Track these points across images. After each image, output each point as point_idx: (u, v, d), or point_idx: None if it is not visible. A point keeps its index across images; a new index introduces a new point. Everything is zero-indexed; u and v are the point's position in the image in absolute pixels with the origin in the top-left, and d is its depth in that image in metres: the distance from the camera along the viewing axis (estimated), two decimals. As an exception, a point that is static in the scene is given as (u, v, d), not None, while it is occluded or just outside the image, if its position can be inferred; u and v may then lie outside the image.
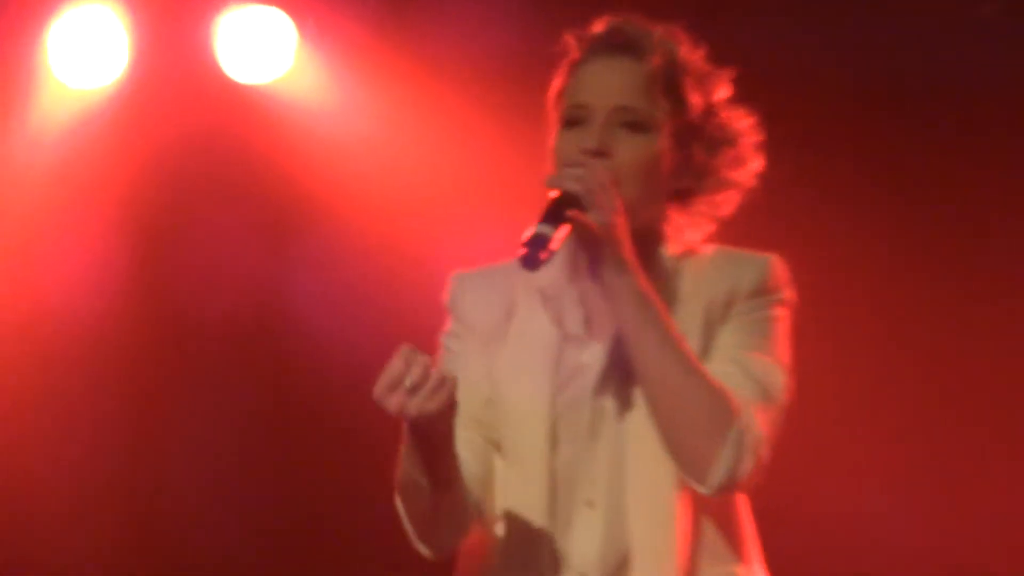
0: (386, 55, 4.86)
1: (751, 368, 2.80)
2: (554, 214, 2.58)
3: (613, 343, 2.76)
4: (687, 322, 2.80)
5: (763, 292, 2.85)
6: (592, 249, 2.68)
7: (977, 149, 4.73)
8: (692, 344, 2.71)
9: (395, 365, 2.52)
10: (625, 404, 2.77)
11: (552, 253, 2.58)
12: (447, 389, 2.53)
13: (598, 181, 2.65)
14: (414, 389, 2.49)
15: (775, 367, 2.81)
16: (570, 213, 2.58)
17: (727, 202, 2.90)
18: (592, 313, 2.80)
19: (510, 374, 2.81)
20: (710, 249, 2.91)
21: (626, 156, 2.75)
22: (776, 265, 2.86)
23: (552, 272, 2.77)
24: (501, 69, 4.57)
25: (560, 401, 2.77)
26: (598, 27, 2.85)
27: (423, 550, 2.73)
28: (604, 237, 2.65)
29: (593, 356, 2.80)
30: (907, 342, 4.74)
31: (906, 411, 4.74)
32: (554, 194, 2.62)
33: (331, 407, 4.77)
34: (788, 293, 2.84)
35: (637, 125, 2.78)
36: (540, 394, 2.79)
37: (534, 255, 2.56)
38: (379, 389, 2.51)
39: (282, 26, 4.79)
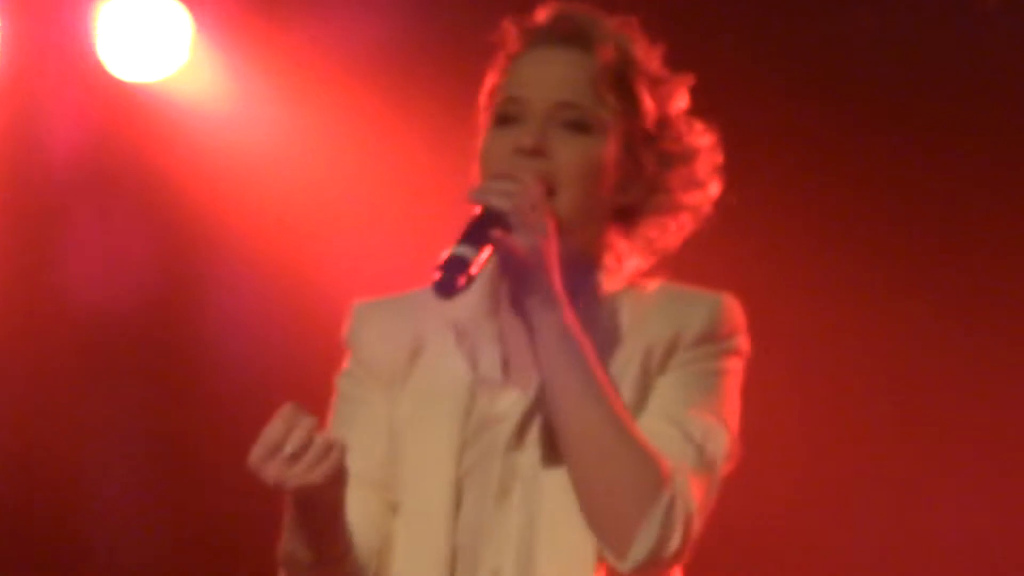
0: (292, 48, 4.74)
1: (690, 428, 2.65)
2: (476, 234, 2.43)
3: (536, 390, 2.62)
4: (621, 370, 2.67)
5: (711, 339, 2.69)
6: (516, 277, 2.54)
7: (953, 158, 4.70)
8: (625, 395, 2.61)
9: (274, 428, 2.42)
10: (543, 462, 2.64)
11: (471, 279, 2.44)
12: (334, 457, 2.43)
13: (528, 198, 2.50)
14: (295, 457, 2.39)
15: (718, 428, 2.66)
16: (494, 233, 2.43)
17: (678, 229, 2.73)
18: (512, 354, 2.64)
19: (412, 424, 2.67)
20: (654, 285, 2.76)
21: (565, 158, 2.58)
22: (728, 307, 2.71)
23: (469, 303, 2.62)
24: (421, 64, 4.48)
25: (467, 457, 2.64)
26: (541, 15, 2.68)
27: None
28: (531, 263, 2.51)
29: (510, 405, 2.64)
30: (867, 363, 4.70)
31: (865, 428, 4.69)
32: (477, 210, 2.48)
33: (216, 418, 4.71)
34: (741, 341, 2.70)
35: (580, 124, 2.62)
36: (444, 448, 2.66)
37: (450, 280, 2.40)
38: (255, 456, 2.40)
39: (175, 16, 4.65)
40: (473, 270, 2.44)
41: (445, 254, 2.42)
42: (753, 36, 4.68)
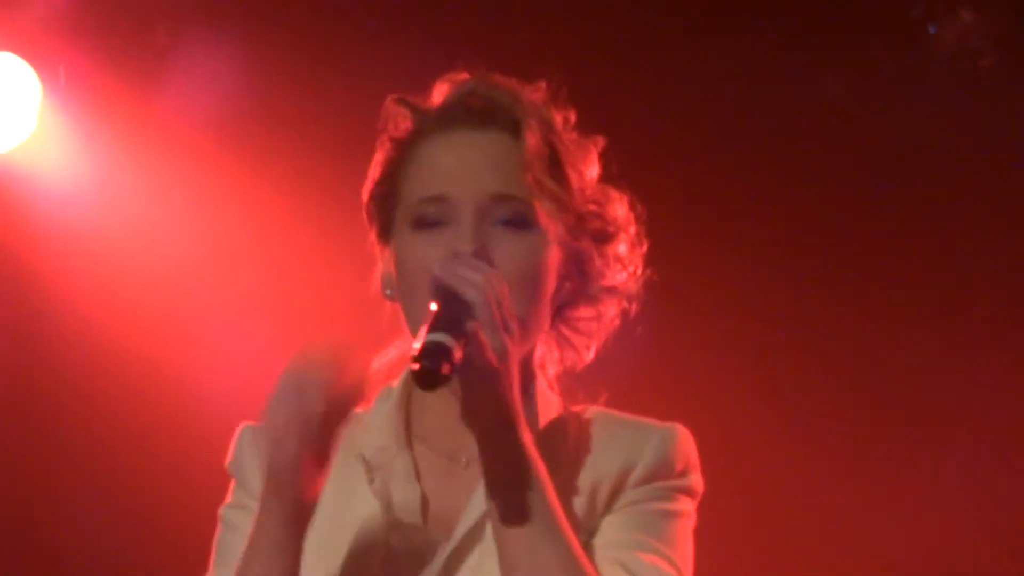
0: (149, 115, 4.57)
1: (640, 573, 2.43)
2: (450, 322, 2.18)
3: (459, 539, 2.44)
4: (565, 501, 2.43)
5: (663, 476, 2.48)
6: (471, 385, 2.27)
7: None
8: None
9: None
10: None
11: (455, 369, 2.17)
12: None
13: (497, 292, 2.26)
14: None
15: (669, 574, 2.47)
16: (470, 326, 2.19)
17: (606, 317, 2.50)
18: (431, 492, 2.45)
19: (316, 567, 2.41)
20: (592, 411, 2.55)
21: (510, 262, 2.34)
22: (682, 441, 2.50)
23: (375, 432, 2.45)
24: (282, 131, 4.32)
25: None
26: (444, 91, 2.44)
27: None
28: (496, 369, 2.25)
29: (429, 551, 2.43)
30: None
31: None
32: (434, 301, 2.23)
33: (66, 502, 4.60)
34: (695, 479, 2.50)
35: (520, 220, 2.37)
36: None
37: (435, 368, 2.13)
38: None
39: (23, 79, 4.44)
40: (457, 357, 2.17)
41: (419, 343, 2.16)
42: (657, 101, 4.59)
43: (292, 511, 2.31)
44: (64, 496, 4.51)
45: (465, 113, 2.43)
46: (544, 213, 2.42)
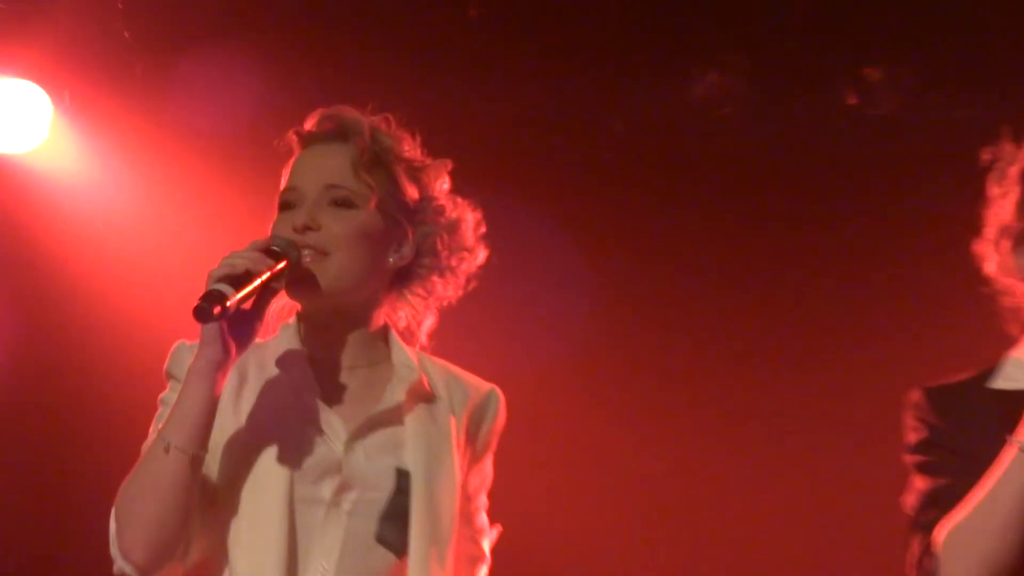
0: (140, 128, 4.98)
1: (484, 519, 3.10)
2: (238, 278, 2.74)
3: (361, 419, 2.91)
4: (444, 423, 2.99)
5: (497, 434, 3.08)
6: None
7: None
8: (449, 451, 2.95)
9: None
10: (360, 474, 2.90)
11: (226, 310, 2.70)
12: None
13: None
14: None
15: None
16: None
17: (447, 289, 3.04)
18: (327, 390, 2.94)
19: (247, 444, 2.91)
20: (438, 362, 3.08)
21: (335, 228, 2.88)
22: (505, 407, 3.09)
23: (283, 347, 2.93)
24: (247, 145, 4.46)
25: (300, 475, 2.89)
26: (310, 120, 3.00)
27: (135, 557, 2.78)
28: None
29: (331, 423, 2.92)
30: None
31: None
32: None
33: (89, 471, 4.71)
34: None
35: (345, 201, 2.91)
36: (279, 469, 2.89)
37: (208, 308, 2.68)
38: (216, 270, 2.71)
39: (37, 99, 4.93)
40: (229, 304, 2.71)
41: (206, 290, 2.72)
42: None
43: (210, 386, 2.77)
44: (88, 484, 4.23)
45: (320, 133, 3.00)
46: (365, 197, 2.94)
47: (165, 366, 2.98)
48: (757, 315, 5.07)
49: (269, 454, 2.91)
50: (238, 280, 2.74)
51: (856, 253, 4.94)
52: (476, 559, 3.10)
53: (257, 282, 2.75)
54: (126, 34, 4.88)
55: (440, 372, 3.06)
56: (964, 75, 4.80)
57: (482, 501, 3.09)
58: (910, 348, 4.56)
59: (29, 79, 4.91)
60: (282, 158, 3.04)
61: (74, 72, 4.94)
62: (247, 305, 2.78)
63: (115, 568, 2.85)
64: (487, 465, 3.10)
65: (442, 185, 3.03)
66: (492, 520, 3.16)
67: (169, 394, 2.95)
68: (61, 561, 4.97)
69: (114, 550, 2.83)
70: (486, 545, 3.10)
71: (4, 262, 4.98)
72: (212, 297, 2.70)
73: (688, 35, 4.94)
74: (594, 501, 5.01)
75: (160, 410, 2.95)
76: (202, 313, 2.69)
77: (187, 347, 2.94)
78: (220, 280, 2.74)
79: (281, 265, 2.81)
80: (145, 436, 2.96)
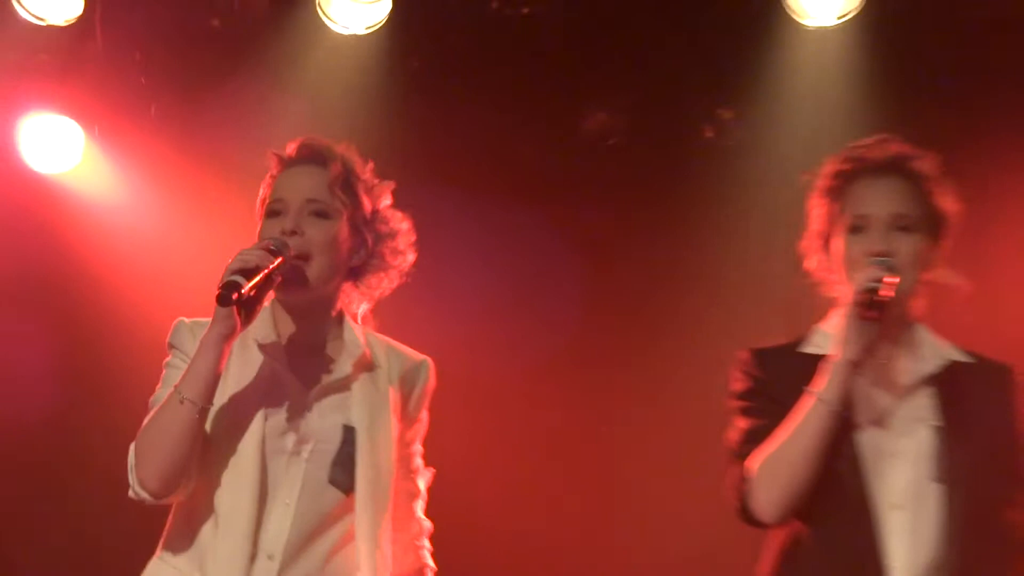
0: (155, 152, 5.20)
1: (419, 462, 3.22)
2: (250, 271, 2.87)
3: (326, 382, 3.05)
4: (384, 387, 3.08)
5: (428, 393, 3.19)
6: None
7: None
8: (387, 409, 3.04)
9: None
10: (316, 429, 3.01)
11: (241, 296, 2.81)
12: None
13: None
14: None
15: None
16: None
17: (389, 282, 3.16)
18: (296, 362, 3.07)
19: (233, 401, 3.01)
20: (381, 338, 3.16)
21: (315, 235, 3.02)
22: (434, 371, 3.16)
23: (260, 331, 3.05)
24: (238, 167, 4.49)
25: (269, 425, 3.00)
26: (291, 146, 3.11)
27: (150, 486, 2.87)
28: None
29: (294, 389, 3.03)
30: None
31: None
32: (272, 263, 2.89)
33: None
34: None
35: (322, 213, 3.03)
36: (254, 421, 2.99)
37: (227, 295, 2.83)
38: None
39: (72, 131, 5.25)
40: (245, 291, 2.81)
41: (223, 280, 2.82)
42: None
43: (219, 354, 2.86)
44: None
45: (300, 158, 3.08)
46: (337, 211, 3.01)
47: (168, 338, 3.10)
48: (636, 303, 5.21)
49: (247, 413, 2.99)
50: (249, 272, 2.84)
51: (711, 254, 5.11)
52: (413, 495, 3.21)
53: (263, 274, 2.87)
54: (143, 80, 5.18)
55: (382, 346, 3.13)
56: (791, 117, 5.02)
57: (417, 448, 3.19)
58: (748, 322, 4.59)
59: (66, 115, 5.21)
60: (261, 175, 3.16)
61: (102, 109, 5.19)
62: (252, 292, 2.88)
63: (130, 493, 2.99)
64: (422, 419, 3.19)
65: (387, 201, 3.15)
66: (427, 465, 3.27)
67: (172, 360, 3.07)
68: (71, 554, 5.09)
69: (132, 479, 2.95)
70: (422, 484, 3.22)
71: (39, 262, 5.21)
72: (231, 286, 2.82)
73: (582, 82, 5.18)
74: (509, 448, 5.17)
75: (164, 372, 3.07)
76: (223, 299, 2.81)
77: (186, 324, 3.06)
78: (236, 272, 2.84)
79: (279, 261, 2.92)
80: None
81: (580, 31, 5.09)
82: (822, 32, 4.99)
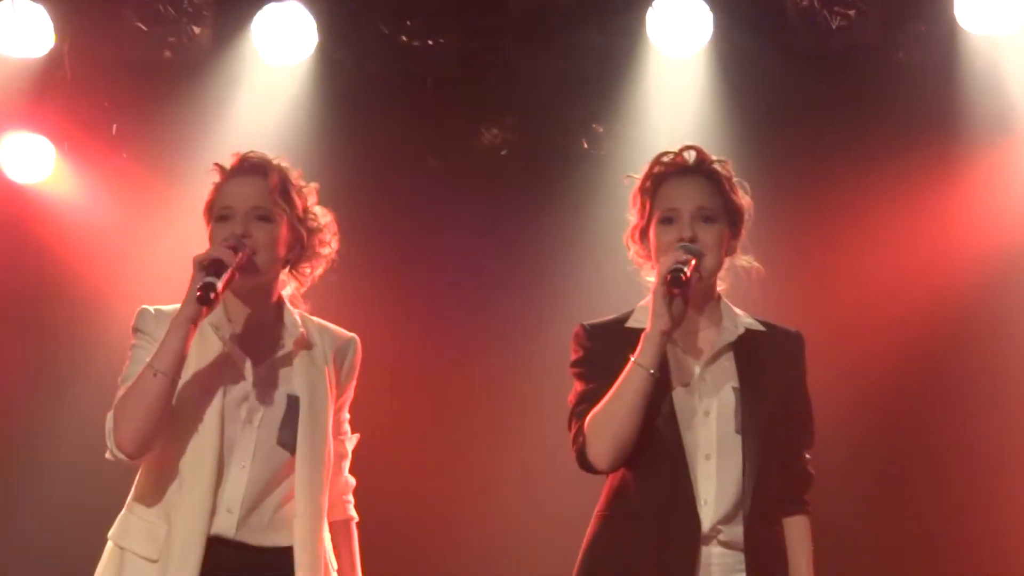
0: (121, 165, 5.58)
1: (347, 428, 3.41)
2: (219, 270, 3.09)
3: (272, 359, 3.25)
4: (320, 362, 3.28)
5: (356, 366, 3.37)
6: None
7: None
8: (323, 380, 3.21)
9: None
10: (265, 399, 3.24)
11: (217, 294, 3.05)
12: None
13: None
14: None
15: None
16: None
17: (317, 270, 3.39)
18: (246, 342, 3.29)
19: (195, 376, 3.22)
20: (315, 320, 3.35)
21: (260, 236, 3.23)
22: (360, 347, 3.32)
23: (214, 314, 3.24)
24: (190, 174, 4.58)
25: (227, 399, 3.20)
26: (234, 158, 3.30)
27: (126, 448, 3.03)
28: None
29: (245, 366, 3.26)
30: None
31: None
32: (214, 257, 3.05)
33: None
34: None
35: (266, 216, 3.24)
36: (214, 397, 3.19)
37: (205, 295, 3.07)
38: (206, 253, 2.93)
39: (44, 146, 5.64)
40: (220, 289, 3.06)
41: (201, 282, 3.03)
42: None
43: (187, 333, 3.04)
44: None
45: (242, 168, 3.25)
46: (277, 214, 3.19)
47: (133, 323, 3.27)
48: (530, 281, 5.56)
49: (208, 388, 3.20)
50: (218, 269, 3.05)
51: (590, 239, 5.35)
52: (342, 456, 3.41)
53: (230, 271, 3.09)
54: (105, 103, 5.53)
55: (317, 327, 3.35)
56: (653, 131, 5.38)
57: (346, 415, 3.39)
58: (584, 302, 4.84)
59: (39, 133, 5.57)
60: (206, 183, 3.34)
61: (70, 128, 5.55)
62: (223, 288, 3.07)
63: (107, 455, 3.16)
64: (350, 389, 3.40)
65: (313, 200, 3.38)
66: (353, 430, 3.46)
67: (139, 342, 3.25)
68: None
69: (110, 442, 3.12)
70: (349, 446, 3.43)
71: (11, 260, 5.55)
72: (208, 287, 3.06)
73: (479, 102, 5.58)
74: (424, 416, 5.54)
75: (132, 353, 3.25)
76: (204, 299, 3.05)
77: (150, 311, 3.26)
78: (207, 268, 3.05)
79: (240, 256, 3.14)
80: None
81: (477, 59, 5.45)
82: (680, 61, 5.47)
